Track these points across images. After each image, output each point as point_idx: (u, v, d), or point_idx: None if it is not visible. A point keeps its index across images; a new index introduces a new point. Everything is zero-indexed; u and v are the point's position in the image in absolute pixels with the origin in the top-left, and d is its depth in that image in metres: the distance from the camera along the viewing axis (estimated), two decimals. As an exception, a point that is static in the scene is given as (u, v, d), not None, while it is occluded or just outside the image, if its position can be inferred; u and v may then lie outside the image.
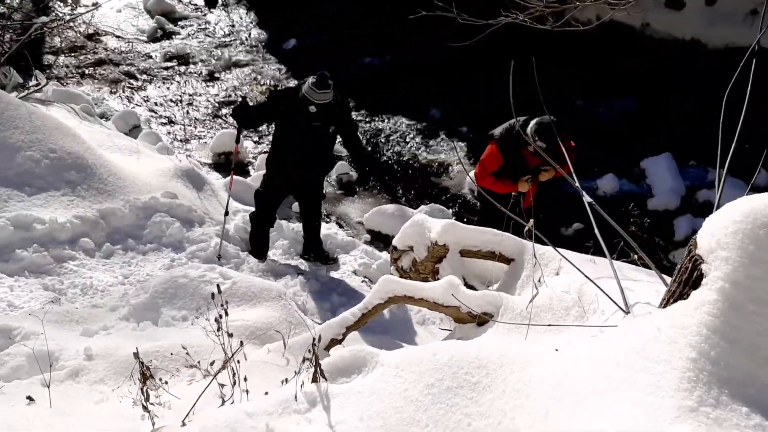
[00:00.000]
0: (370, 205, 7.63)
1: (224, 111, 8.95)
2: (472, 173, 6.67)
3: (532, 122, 5.26)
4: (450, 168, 8.36)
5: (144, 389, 2.47)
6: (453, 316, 3.48)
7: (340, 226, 7.35)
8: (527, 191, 5.54)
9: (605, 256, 4.64)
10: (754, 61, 2.91)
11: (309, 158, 5.56)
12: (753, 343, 1.86)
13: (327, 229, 7.04)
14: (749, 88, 2.84)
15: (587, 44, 9.09)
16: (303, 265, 6.15)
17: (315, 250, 6.15)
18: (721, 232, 1.97)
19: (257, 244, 5.97)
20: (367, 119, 9.26)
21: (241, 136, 5.91)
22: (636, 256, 3.33)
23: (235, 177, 7.38)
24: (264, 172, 5.95)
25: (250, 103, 5.66)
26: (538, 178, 5.52)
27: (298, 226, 6.68)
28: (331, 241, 6.71)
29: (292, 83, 9.99)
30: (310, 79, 5.29)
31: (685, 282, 2.06)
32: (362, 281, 6.21)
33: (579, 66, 9.35)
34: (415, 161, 8.48)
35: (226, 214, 5.84)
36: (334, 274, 6.16)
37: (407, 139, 8.88)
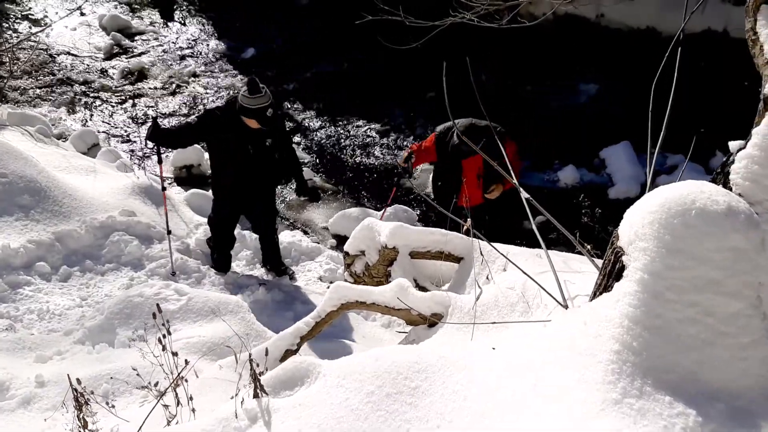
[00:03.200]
0: (334, 210, 7.60)
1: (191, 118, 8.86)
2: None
3: (458, 126, 5.26)
4: (413, 169, 8.35)
5: (80, 416, 2.44)
6: (405, 319, 3.48)
7: (305, 233, 7.32)
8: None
9: (566, 250, 4.67)
10: (679, 50, 2.94)
11: (255, 173, 5.43)
12: (674, 331, 1.88)
13: (291, 236, 7.00)
14: (675, 76, 2.87)
15: (545, 37, 9.18)
16: (266, 275, 6.11)
17: (272, 263, 6.10)
18: (638, 223, 1.99)
19: (220, 265, 5.91)
20: (329, 123, 9.24)
21: (163, 156, 5.74)
22: (589, 246, 3.37)
23: (195, 190, 7.35)
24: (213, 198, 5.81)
25: (162, 125, 5.41)
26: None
27: (261, 236, 6.64)
28: (296, 249, 6.68)
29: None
30: (242, 89, 5.13)
31: (609, 274, 2.07)
32: (327, 287, 6.18)
33: (538, 58, 9.41)
34: (378, 163, 8.47)
35: (169, 233, 5.67)
36: (298, 282, 6.13)
37: (370, 142, 8.87)
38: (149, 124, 5.37)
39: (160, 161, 5.69)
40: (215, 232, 5.84)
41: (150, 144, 5.47)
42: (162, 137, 5.36)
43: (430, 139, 5.69)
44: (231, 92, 9.93)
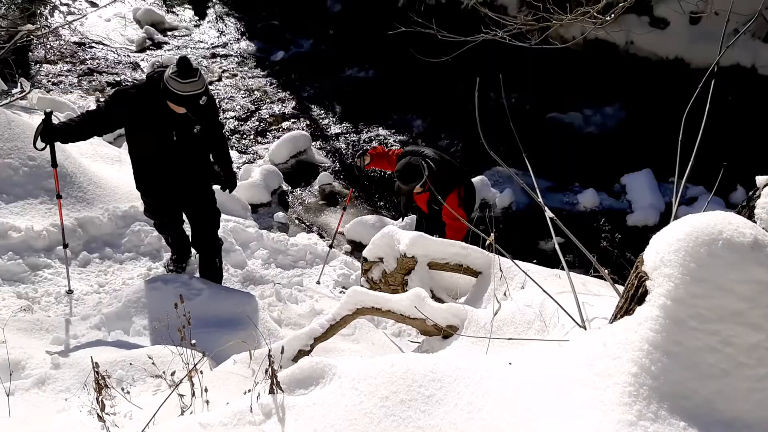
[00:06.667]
0: (351, 216, 7.65)
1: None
2: None
3: (402, 162, 5.26)
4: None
5: (99, 399, 2.48)
6: (419, 329, 3.50)
7: (321, 237, 7.38)
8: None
9: (582, 273, 4.66)
10: (713, 81, 2.96)
11: (180, 165, 4.71)
12: (692, 358, 1.89)
13: (308, 239, 7.07)
14: (707, 107, 2.89)
15: (574, 60, 9.20)
16: (282, 274, 6.15)
17: (211, 276, 5.25)
18: (665, 250, 2.00)
19: (177, 248, 5.38)
20: (352, 130, 9.32)
21: (56, 158, 4.76)
22: (606, 271, 3.38)
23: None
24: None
25: (56, 121, 4.55)
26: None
27: (278, 236, 6.70)
28: (311, 251, 6.73)
29: (280, 95, 10.06)
30: (170, 69, 4.29)
31: (632, 298, 2.09)
32: (341, 292, 6.22)
33: (567, 80, 9.44)
34: (398, 173, 8.51)
35: (65, 246, 5.00)
36: (312, 284, 6.17)
37: (391, 152, 8.93)
38: (40, 123, 4.47)
39: (54, 165, 4.78)
40: (156, 223, 5.27)
41: (40, 146, 4.51)
42: (59, 134, 4.51)
43: (397, 152, 5.68)
44: (259, 93, 10.03)
